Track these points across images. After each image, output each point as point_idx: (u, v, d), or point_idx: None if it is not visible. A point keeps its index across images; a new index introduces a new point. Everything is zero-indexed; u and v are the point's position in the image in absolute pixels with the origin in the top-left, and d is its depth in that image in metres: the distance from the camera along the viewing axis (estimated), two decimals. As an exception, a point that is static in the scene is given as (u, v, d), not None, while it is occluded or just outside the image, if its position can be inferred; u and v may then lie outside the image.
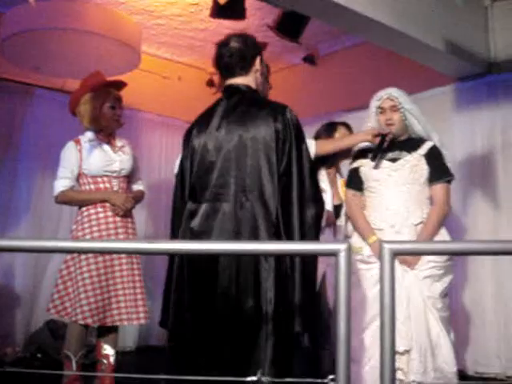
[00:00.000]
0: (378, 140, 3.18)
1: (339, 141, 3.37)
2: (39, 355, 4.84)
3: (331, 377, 1.55)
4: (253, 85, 2.54)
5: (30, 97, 5.30)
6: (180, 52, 6.14)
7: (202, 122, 2.52)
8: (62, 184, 3.44)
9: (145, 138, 6.01)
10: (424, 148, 3.20)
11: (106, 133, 3.55)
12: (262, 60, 2.58)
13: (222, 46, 2.55)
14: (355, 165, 3.34)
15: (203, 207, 2.37)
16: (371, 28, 4.02)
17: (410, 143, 3.24)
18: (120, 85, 3.67)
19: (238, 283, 2.26)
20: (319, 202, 2.38)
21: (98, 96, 3.50)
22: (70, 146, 3.48)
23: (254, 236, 2.26)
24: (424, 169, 3.17)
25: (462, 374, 4.47)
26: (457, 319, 4.57)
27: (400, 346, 2.91)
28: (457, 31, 4.48)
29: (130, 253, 3.09)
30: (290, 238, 2.27)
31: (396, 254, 1.52)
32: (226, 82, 2.56)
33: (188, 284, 2.36)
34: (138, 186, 3.74)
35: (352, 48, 5.70)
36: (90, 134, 3.50)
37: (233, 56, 2.50)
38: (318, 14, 3.98)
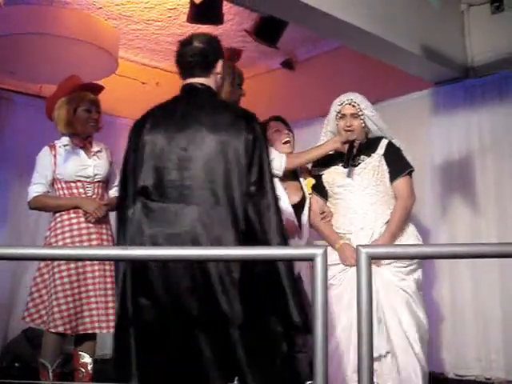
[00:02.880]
0: (346, 147, 3.18)
1: (309, 153, 3.32)
2: (17, 364, 4.77)
3: (309, 383, 1.53)
4: (213, 87, 2.49)
5: (6, 102, 5.23)
6: (158, 57, 6.11)
7: (158, 118, 2.45)
8: (35, 189, 3.39)
9: (122, 144, 5.92)
10: (382, 147, 3.23)
11: (81, 137, 3.47)
12: (224, 64, 2.53)
13: (185, 44, 2.52)
14: (321, 173, 3.35)
15: (164, 207, 2.26)
16: (348, 33, 4.03)
17: (368, 145, 3.26)
18: (96, 88, 3.59)
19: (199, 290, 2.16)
20: (279, 210, 2.31)
21: (72, 99, 3.44)
22: (45, 151, 3.43)
23: (222, 241, 2.18)
24: (385, 169, 3.20)
25: (442, 377, 4.51)
26: (436, 321, 4.59)
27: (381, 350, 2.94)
28: (434, 36, 4.51)
29: (101, 259, 3.02)
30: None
31: (372, 258, 1.51)
32: (185, 81, 2.51)
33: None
34: (114, 193, 3.66)
35: (330, 53, 5.72)
36: (64, 139, 3.46)
37: (195, 56, 2.47)
38: (296, 19, 3.98)
